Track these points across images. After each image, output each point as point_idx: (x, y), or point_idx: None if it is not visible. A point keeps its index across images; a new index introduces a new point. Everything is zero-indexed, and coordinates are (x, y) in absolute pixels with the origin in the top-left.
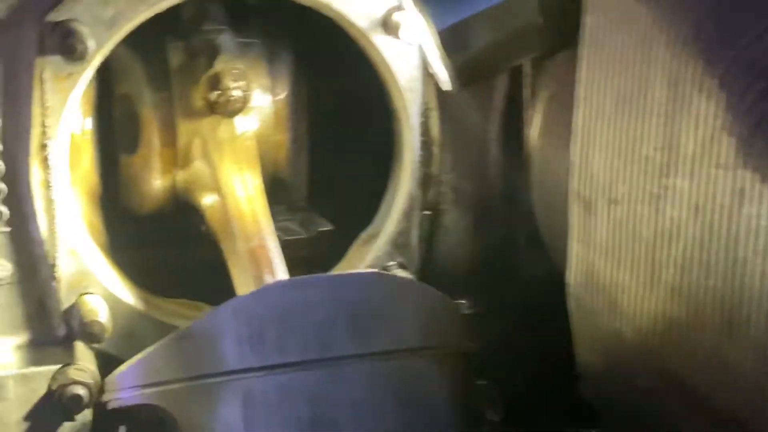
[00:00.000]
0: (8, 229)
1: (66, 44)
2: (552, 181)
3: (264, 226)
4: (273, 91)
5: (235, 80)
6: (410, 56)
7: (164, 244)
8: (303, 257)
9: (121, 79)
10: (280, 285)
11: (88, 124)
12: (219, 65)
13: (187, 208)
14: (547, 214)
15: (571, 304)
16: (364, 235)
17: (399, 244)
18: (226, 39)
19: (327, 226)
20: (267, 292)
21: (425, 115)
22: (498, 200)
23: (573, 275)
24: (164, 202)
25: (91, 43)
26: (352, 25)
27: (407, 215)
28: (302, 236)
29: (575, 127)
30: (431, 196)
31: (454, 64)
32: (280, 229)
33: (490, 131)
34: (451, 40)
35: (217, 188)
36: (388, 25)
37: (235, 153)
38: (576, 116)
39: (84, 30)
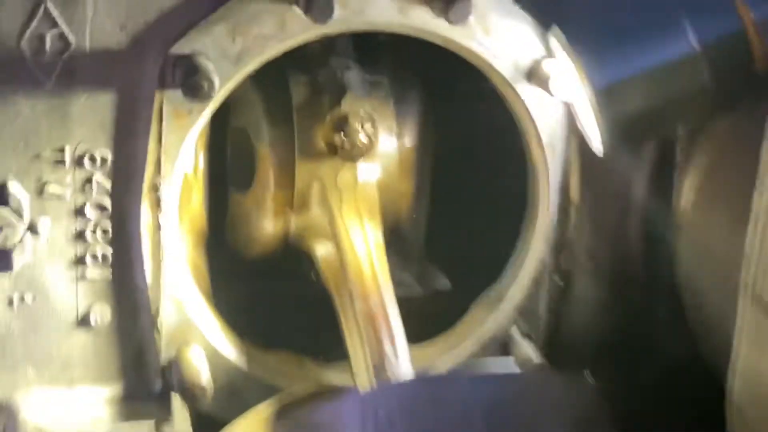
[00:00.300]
0: (110, 272)
1: (190, 80)
2: (706, 261)
3: (383, 286)
4: (399, 136)
5: (362, 123)
6: (556, 110)
7: (270, 290)
8: (417, 314)
9: (239, 112)
10: (412, 382)
11: (201, 160)
12: (346, 105)
13: (297, 252)
14: (697, 295)
15: (731, 413)
16: (486, 297)
17: (525, 311)
18: (353, 76)
19: (445, 284)
20: (398, 388)
21: (565, 174)
22: (638, 271)
23: (737, 382)
24: (274, 246)
25: (215, 80)
26: (495, 71)
27: (536, 281)
28: (418, 294)
29: (756, 214)
30: (564, 262)
31: (604, 124)
32: (395, 283)
33: (634, 197)
34: (605, 100)
35: (333, 238)
36: (535, 75)
37: (356, 201)
38: (757, 201)
39: (209, 66)
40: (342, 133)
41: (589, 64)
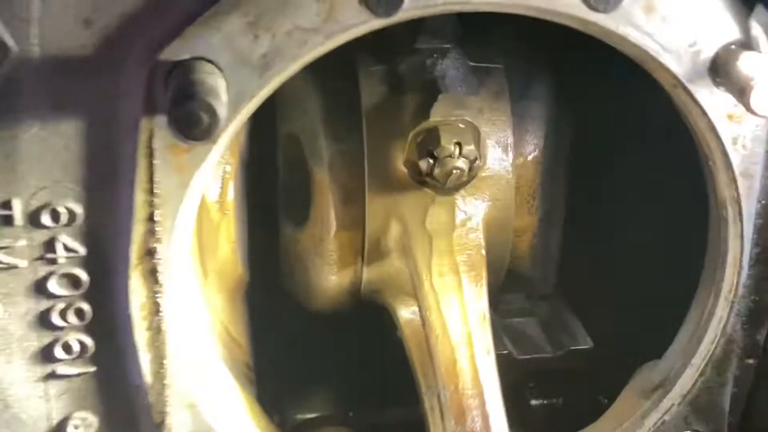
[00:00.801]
0: (93, 368)
1: (180, 110)
2: None
3: (484, 375)
4: (519, 148)
5: (461, 142)
6: (756, 125)
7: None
8: (545, 381)
9: (289, 113)
10: None
11: (232, 190)
12: (437, 114)
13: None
14: None
15: None
16: (643, 377)
17: (701, 406)
18: (451, 65)
19: (582, 342)
20: None
21: (766, 215)
22: None
23: None
24: (342, 301)
25: (220, 110)
26: (663, 68)
27: (720, 364)
28: (545, 355)
29: None
30: (762, 337)
31: None
32: (516, 335)
33: None
34: None
35: (419, 303)
36: (725, 75)
37: (453, 252)
38: None
39: (212, 84)
40: (430, 158)
41: None
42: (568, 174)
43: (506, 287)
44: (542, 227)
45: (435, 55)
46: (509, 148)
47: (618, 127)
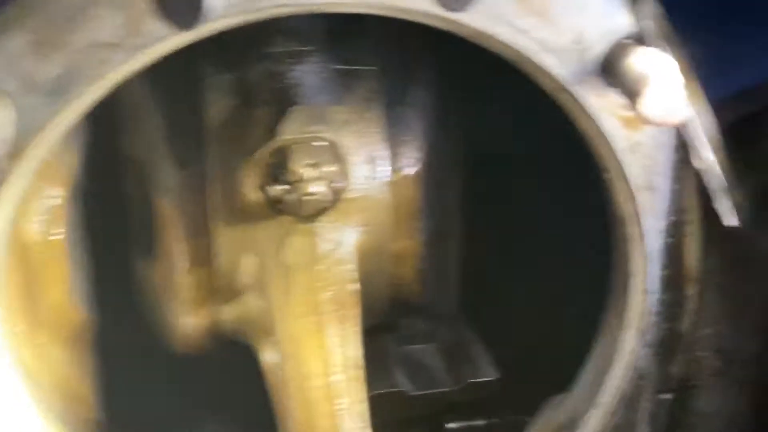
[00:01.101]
0: None
1: None
2: None
3: None
4: (395, 164)
5: (316, 162)
6: (661, 133)
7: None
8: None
9: (128, 136)
10: None
11: (61, 225)
12: (286, 130)
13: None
14: None
15: None
16: (549, 418)
17: None
18: (308, 71)
19: (485, 373)
20: None
21: (675, 232)
22: None
23: None
24: (204, 343)
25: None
26: (542, 71)
27: (630, 400)
28: (443, 389)
29: None
30: (677, 368)
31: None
32: (413, 366)
33: None
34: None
35: (279, 347)
36: (615, 73)
37: (314, 289)
38: None
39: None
40: (280, 183)
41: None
42: (461, 187)
43: (404, 311)
44: (430, 249)
45: (289, 60)
46: (382, 164)
47: (519, 132)
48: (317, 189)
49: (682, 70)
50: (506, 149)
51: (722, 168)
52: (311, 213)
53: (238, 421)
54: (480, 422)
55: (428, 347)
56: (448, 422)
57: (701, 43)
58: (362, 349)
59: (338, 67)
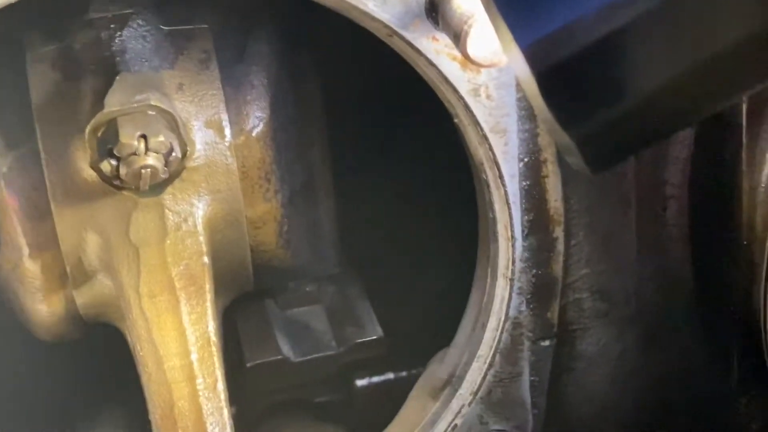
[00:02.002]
0: None
1: None
2: None
3: (208, 414)
4: (238, 125)
5: (146, 133)
6: (501, 73)
7: None
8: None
9: None
10: None
11: None
12: (112, 101)
13: None
14: None
15: None
16: (433, 375)
17: (496, 402)
18: (133, 36)
19: (371, 332)
20: None
21: (533, 174)
22: (684, 305)
23: None
24: (71, 329)
25: None
26: (369, 15)
27: (509, 352)
28: (328, 353)
29: None
30: (553, 314)
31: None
32: (297, 331)
33: (666, 193)
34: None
35: (128, 331)
36: (440, 14)
37: (165, 265)
38: None
39: None
40: (112, 157)
41: None
42: (325, 142)
43: (287, 275)
44: (293, 210)
45: (113, 26)
46: (224, 128)
47: (383, 79)
48: (152, 161)
49: None
50: (369, 97)
51: None
52: (151, 187)
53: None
54: (390, 375)
55: (313, 309)
56: (357, 378)
57: None
58: (218, 323)
59: (168, 28)
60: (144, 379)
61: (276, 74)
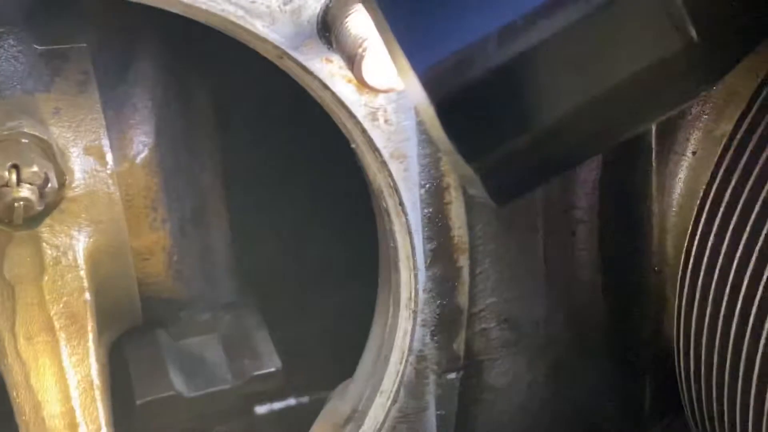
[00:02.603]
0: None
1: None
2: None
3: None
4: (121, 151)
5: (17, 164)
6: (399, 96)
7: None
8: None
9: None
10: None
11: None
12: None
13: None
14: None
15: None
16: (335, 409)
17: None
18: (3, 55)
19: (268, 363)
20: None
21: (436, 201)
22: (594, 331)
23: None
24: None
25: None
26: (257, 36)
27: (414, 385)
28: (224, 387)
29: None
30: (460, 346)
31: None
32: (191, 364)
33: (574, 216)
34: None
35: (4, 376)
36: (334, 36)
37: (43, 303)
38: None
39: None
40: None
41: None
42: (220, 165)
43: (180, 305)
44: (183, 238)
45: None
46: (105, 154)
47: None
48: (26, 194)
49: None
50: (266, 112)
51: None
52: (25, 220)
53: None
54: (291, 401)
55: (208, 339)
56: (257, 405)
57: None
58: (102, 363)
59: (43, 48)
60: (21, 430)
61: (162, 95)
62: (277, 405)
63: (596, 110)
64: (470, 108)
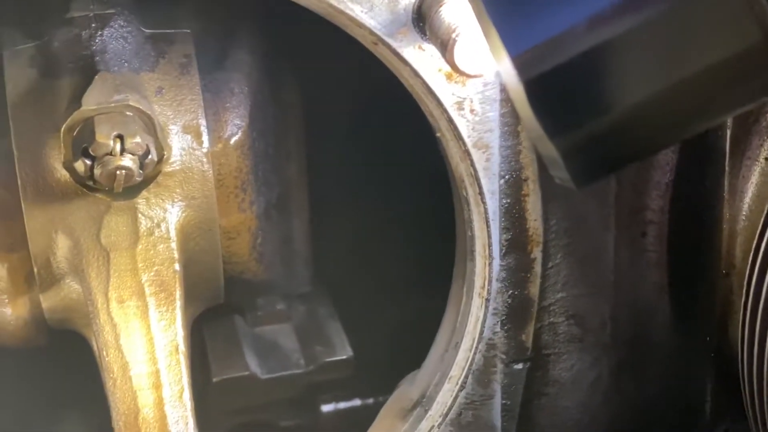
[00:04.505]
0: None
1: None
2: None
3: (173, 423)
4: (216, 132)
5: (122, 134)
6: (486, 87)
7: None
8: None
9: None
10: None
11: None
12: (90, 100)
13: None
14: None
15: None
16: (403, 395)
17: (466, 425)
18: (113, 36)
19: (340, 351)
20: None
21: (513, 192)
22: (659, 332)
23: None
24: (31, 336)
25: None
26: (354, 21)
27: (482, 374)
28: (296, 371)
29: None
30: (528, 337)
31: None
32: (266, 348)
33: (641, 225)
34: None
35: (95, 336)
36: (428, 25)
37: (135, 270)
38: None
39: None
40: (87, 157)
41: None
42: (304, 156)
43: (258, 290)
44: (267, 222)
45: (94, 25)
46: (202, 133)
47: (366, 93)
48: (128, 163)
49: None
50: (351, 113)
51: None
52: (124, 189)
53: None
54: (356, 402)
55: (283, 327)
56: (323, 404)
57: None
58: (187, 332)
59: (150, 31)
60: (108, 386)
61: (257, 83)
62: (343, 405)
63: (675, 98)
64: (556, 89)
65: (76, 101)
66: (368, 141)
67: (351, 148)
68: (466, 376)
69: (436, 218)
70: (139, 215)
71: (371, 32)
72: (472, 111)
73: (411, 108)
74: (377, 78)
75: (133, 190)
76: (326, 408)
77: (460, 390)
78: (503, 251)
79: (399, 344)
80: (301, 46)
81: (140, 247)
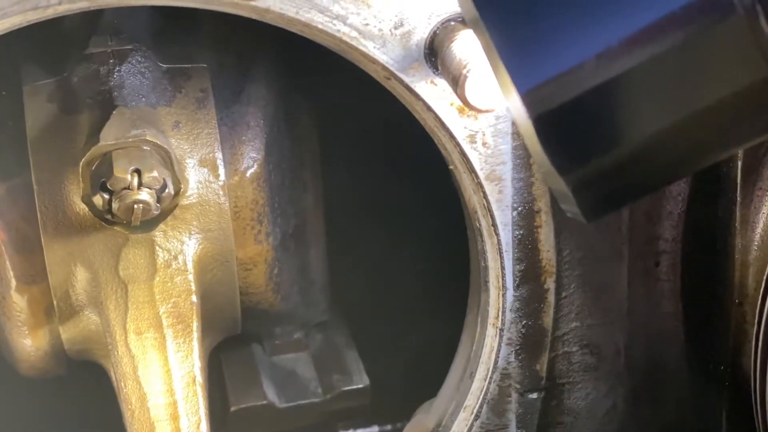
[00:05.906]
0: None
1: None
2: None
3: None
4: (233, 165)
5: (139, 168)
6: (498, 120)
7: None
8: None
9: None
10: None
11: None
12: (108, 135)
13: None
14: None
15: None
16: (419, 424)
17: None
18: (131, 71)
19: (357, 380)
20: None
21: (526, 223)
22: (673, 361)
23: None
24: (51, 366)
25: None
26: (367, 57)
27: (496, 402)
28: (314, 400)
29: None
30: (542, 367)
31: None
32: (283, 377)
33: (653, 255)
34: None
35: (113, 368)
36: (440, 59)
37: (153, 302)
38: None
39: None
40: (105, 191)
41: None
42: (321, 186)
43: (276, 319)
44: (284, 253)
45: (111, 61)
46: (218, 167)
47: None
48: (145, 197)
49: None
50: (364, 143)
51: None
52: (141, 222)
53: None
54: (375, 429)
55: (300, 356)
56: (341, 431)
57: None
58: (204, 363)
59: (167, 66)
60: (126, 417)
61: (272, 116)
62: (361, 431)
63: (684, 133)
64: (565, 125)
65: (94, 136)
66: (385, 169)
67: (367, 175)
68: (481, 406)
69: (452, 246)
70: (157, 248)
71: (384, 67)
72: (484, 144)
73: (427, 135)
74: (391, 109)
75: (150, 223)
76: None
77: (475, 419)
78: (517, 282)
79: (416, 372)
80: (316, 77)
81: (158, 279)
